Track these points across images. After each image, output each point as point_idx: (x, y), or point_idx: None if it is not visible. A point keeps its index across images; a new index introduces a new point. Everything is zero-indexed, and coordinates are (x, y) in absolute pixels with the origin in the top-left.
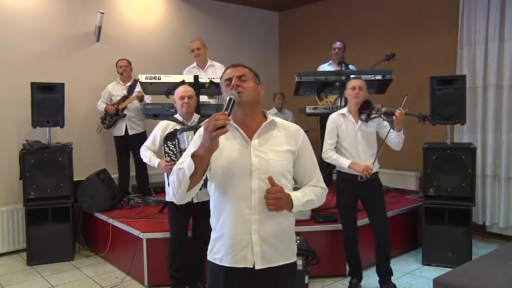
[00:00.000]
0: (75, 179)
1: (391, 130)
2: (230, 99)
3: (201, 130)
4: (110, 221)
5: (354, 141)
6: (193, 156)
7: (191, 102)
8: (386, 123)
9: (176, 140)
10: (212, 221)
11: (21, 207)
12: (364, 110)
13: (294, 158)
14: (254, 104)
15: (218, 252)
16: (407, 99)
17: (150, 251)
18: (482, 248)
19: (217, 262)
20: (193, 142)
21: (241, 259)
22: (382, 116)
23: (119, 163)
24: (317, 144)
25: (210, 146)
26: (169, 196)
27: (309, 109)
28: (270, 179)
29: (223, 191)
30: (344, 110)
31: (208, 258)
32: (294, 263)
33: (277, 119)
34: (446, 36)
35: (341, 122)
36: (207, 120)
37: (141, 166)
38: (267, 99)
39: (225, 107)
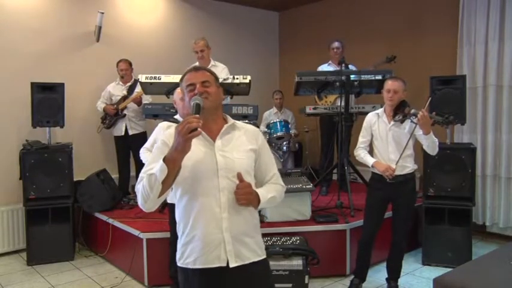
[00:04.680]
0: (75, 179)
1: (417, 128)
2: (197, 104)
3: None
4: (110, 221)
5: (384, 141)
6: (164, 160)
7: None
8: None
9: None
10: (179, 227)
11: (21, 207)
12: (398, 111)
13: (256, 156)
14: (217, 108)
15: (190, 256)
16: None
17: (150, 251)
18: (482, 248)
19: (190, 266)
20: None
21: (215, 258)
22: (410, 118)
23: (119, 163)
24: (317, 144)
25: (183, 148)
26: (169, 197)
27: (309, 109)
28: (239, 175)
29: (192, 193)
30: (379, 110)
31: (179, 264)
32: (265, 260)
33: (237, 122)
34: (446, 36)
35: (374, 121)
36: (178, 124)
37: (142, 166)
38: (268, 98)
39: (193, 112)
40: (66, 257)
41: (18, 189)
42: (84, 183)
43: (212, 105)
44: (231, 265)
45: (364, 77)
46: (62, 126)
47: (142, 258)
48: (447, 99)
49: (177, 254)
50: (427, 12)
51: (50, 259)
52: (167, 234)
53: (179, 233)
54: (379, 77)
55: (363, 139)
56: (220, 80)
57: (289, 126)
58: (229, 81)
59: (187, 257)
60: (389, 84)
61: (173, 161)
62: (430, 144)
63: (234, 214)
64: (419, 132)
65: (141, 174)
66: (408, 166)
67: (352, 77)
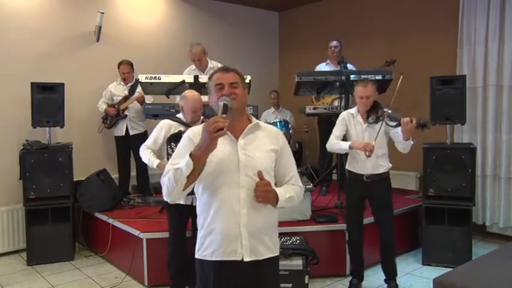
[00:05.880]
0: (75, 179)
1: (398, 131)
2: (225, 104)
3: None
4: (110, 221)
5: (361, 141)
6: (191, 156)
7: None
8: (397, 129)
9: None
10: (199, 220)
11: (21, 207)
12: (372, 113)
13: (276, 157)
14: (243, 108)
15: (208, 248)
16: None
17: (150, 251)
18: (482, 248)
19: (208, 258)
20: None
21: (232, 252)
22: (386, 121)
23: (119, 163)
24: (317, 144)
25: (209, 146)
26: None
27: (308, 109)
28: (259, 173)
29: (213, 188)
30: (353, 110)
31: (197, 256)
32: (277, 257)
33: (260, 122)
34: (446, 36)
35: (350, 120)
36: (205, 122)
37: (142, 166)
38: (267, 97)
39: (221, 112)
40: (66, 257)
41: (18, 189)
42: (84, 183)
43: (239, 106)
44: (245, 259)
45: (363, 77)
46: (62, 126)
47: (142, 258)
48: (447, 99)
49: (196, 245)
50: (427, 12)
51: (50, 259)
52: (167, 234)
53: (199, 226)
54: (379, 77)
55: (337, 132)
56: None
57: (289, 126)
58: None
59: (205, 249)
60: (361, 91)
61: (199, 157)
62: (407, 147)
63: (253, 210)
64: (393, 130)
65: (167, 167)
66: (383, 165)
67: (352, 77)
